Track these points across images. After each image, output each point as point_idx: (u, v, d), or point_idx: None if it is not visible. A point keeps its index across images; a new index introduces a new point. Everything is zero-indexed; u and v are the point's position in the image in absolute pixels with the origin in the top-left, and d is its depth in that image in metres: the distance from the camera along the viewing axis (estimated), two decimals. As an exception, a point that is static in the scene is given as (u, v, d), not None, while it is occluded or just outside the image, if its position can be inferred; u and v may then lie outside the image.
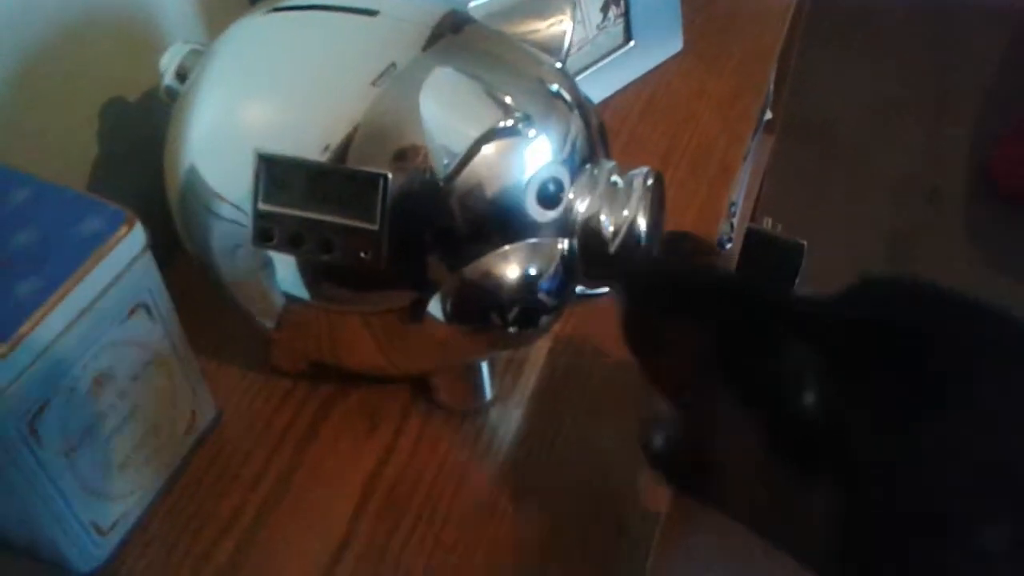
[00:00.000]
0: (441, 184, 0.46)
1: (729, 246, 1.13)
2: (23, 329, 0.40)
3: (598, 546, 0.53)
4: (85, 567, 0.50)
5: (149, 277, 0.47)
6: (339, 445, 0.57)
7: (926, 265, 1.82)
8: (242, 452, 0.56)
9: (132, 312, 0.46)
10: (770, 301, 0.39)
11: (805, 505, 0.36)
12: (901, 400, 0.33)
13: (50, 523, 0.47)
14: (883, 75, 2.22)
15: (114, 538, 0.50)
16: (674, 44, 0.85)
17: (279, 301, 0.51)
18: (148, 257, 0.46)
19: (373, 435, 0.57)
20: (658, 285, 0.43)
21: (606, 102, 0.80)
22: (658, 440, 0.46)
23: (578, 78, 0.77)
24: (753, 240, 1.22)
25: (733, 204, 1.13)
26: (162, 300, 0.48)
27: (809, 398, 0.34)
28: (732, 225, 1.15)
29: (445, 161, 0.45)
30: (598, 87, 0.80)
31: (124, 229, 0.44)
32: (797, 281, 1.24)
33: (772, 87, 1.25)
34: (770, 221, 1.38)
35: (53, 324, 0.41)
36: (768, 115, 1.31)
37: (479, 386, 0.59)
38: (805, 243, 1.26)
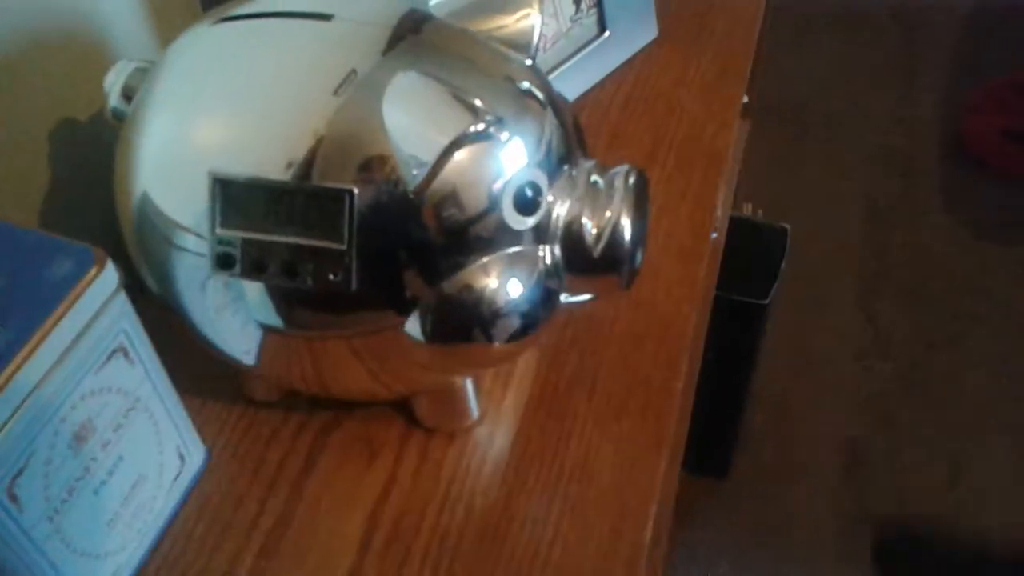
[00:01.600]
0: (411, 196, 0.43)
1: (715, 236, 1.11)
2: (-7, 388, 0.37)
3: (618, 567, 0.50)
4: (77, 631, 0.46)
5: (125, 318, 0.44)
6: (338, 479, 0.54)
7: (905, 235, 1.82)
8: (235, 495, 0.53)
9: (109, 357, 0.43)
10: None
11: None
12: None
13: (37, 590, 0.43)
14: (850, 48, 2.21)
15: (106, 598, 0.47)
16: (649, 32, 0.83)
17: (254, 333, 0.47)
18: (122, 297, 0.43)
19: (373, 465, 0.54)
20: None
21: (584, 97, 0.78)
22: None
23: (554, 73, 0.75)
24: (737, 228, 1.20)
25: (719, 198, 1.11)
26: (140, 341, 0.45)
27: None
28: (717, 215, 1.13)
29: (414, 171, 0.42)
30: (575, 82, 0.77)
31: (94, 270, 0.41)
32: (783, 266, 1.22)
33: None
34: (750, 207, 1.37)
35: (25, 380, 0.38)
36: (744, 99, 1.28)
37: (465, 405, 0.56)
38: (789, 227, 1.24)
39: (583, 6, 0.76)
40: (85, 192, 0.57)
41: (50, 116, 0.57)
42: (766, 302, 1.19)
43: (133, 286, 0.47)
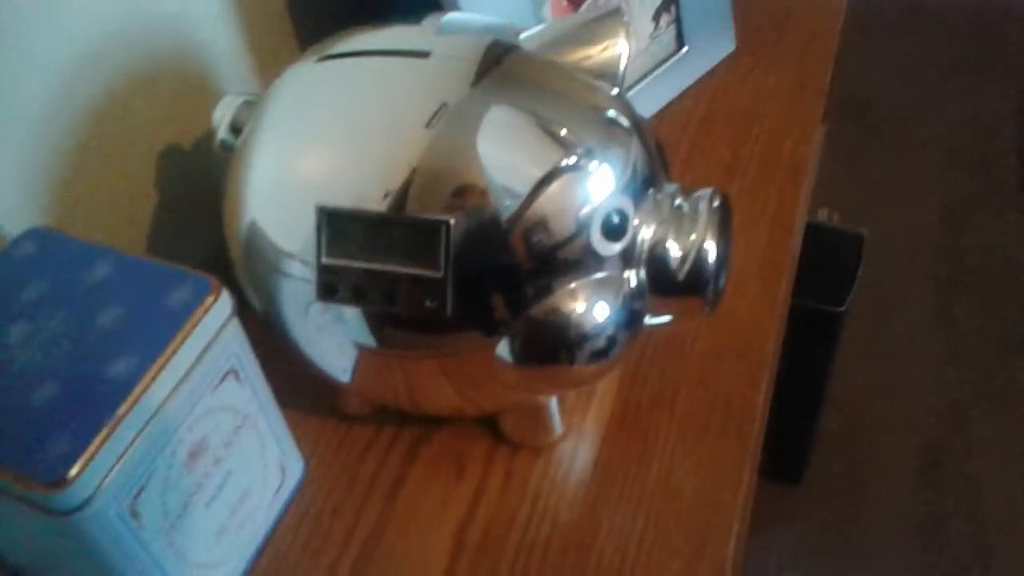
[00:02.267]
0: (504, 226, 0.45)
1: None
2: (120, 411, 0.40)
3: (704, 583, 0.52)
4: (187, 636, 0.49)
5: (237, 342, 0.46)
6: (428, 492, 0.56)
7: (981, 237, 1.79)
8: (331, 507, 0.55)
9: (223, 379, 0.46)
10: None
11: None
12: None
13: (151, 598, 0.46)
14: (924, 47, 2.17)
15: (214, 605, 0.50)
16: (728, 45, 0.83)
17: (351, 353, 0.50)
18: (235, 322, 0.45)
19: (461, 479, 0.56)
20: None
21: (662, 112, 0.79)
22: None
23: (633, 89, 0.76)
24: (813, 234, 1.19)
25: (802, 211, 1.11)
26: (249, 362, 0.48)
27: None
28: (790, 220, 1.13)
29: (507, 202, 0.44)
30: (654, 97, 0.78)
31: (211, 298, 0.43)
32: (859, 272, 1.21)
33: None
34: (826, 212, 1.36)
35: (149, 403, 0.41)
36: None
37: (549, 421, 0.58)
38: (866, 232, 1.23)
39: (662, 23, 0.77)
40: (191, 219, 0.60)
41: (159, 146, 0.60)
42: (842, 309, 1.19)
43: (238, 305, 0.50)
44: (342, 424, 0.59)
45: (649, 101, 0.77)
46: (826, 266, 1.21)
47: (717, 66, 0.82)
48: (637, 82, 0.77)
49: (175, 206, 0.62)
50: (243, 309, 0.50)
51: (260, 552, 0.53)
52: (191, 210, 0.60)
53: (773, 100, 0.79)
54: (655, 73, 0.78)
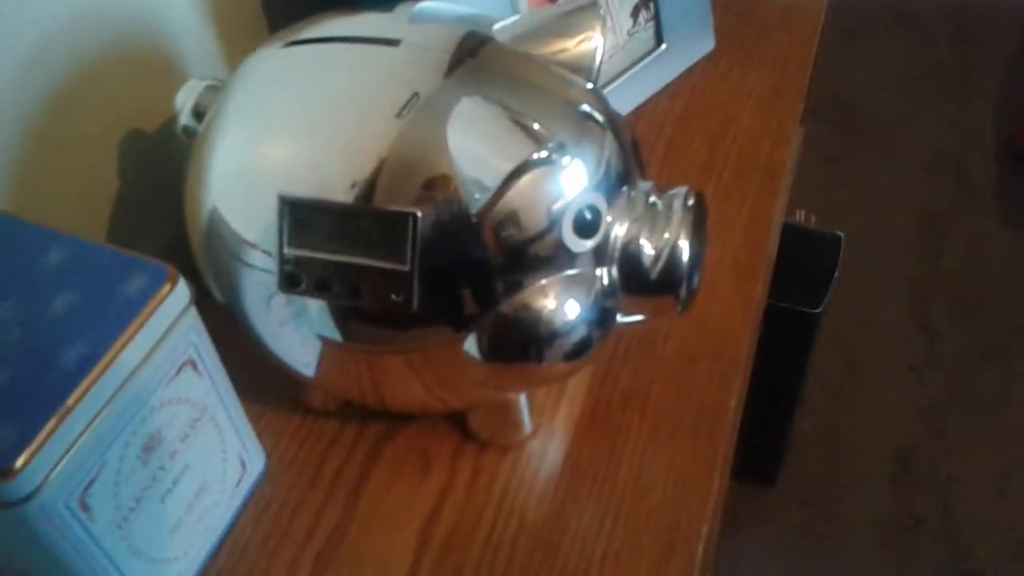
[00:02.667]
0: (473, 219, 0.44)
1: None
2: (70, 401, 0.38)
3: (670, 585, 0.51)
4: (140, 634, 0.48)
5: (195, 332, 0.45)
6: (393, 489, 0.55)
7: (960, 243, 1.80)
8: (292, 503, 0.54)
9: (179, 370, 0.44)
10: None
11: None
12: None
13: (104, 594, 0.45)
14: (905, 53, 2.18)
15: (169, 602, 0.49)
16: (706, 44, 0.83)
17: (315, 346, 0.48)
18: (193, 312, 0.44)
19: (427, 477, 0.55)
20: None
21: (640, 110, 0.78)
22: None
23: (610, 86, 0.75)
24: (790, 235, 1.19)
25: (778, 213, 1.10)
26: (208, 353, 0.46)
27: None
28: (767, 221, 1.13)
29: (477, 195, 0.43)
30: (631, 94, 0.78)
31: (168, 287, 0.42)
32: (836, 274, 1.21)
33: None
34: (803, 213, 1.36)
35: (101, 393, 0.40)
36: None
37: (518, 419, 0.57)
38: (843, 235, 1.23)
39: (640, 19, 0.76)
40: (153, 205, 0.58)
41: (120, 131, 0.59)
42: (818, 311, 1.18)
43: (199, 295, 0.49)
44: (306, 419, 0.58)
45: (626, 98, 0.77)
46: (803, 268, 1.21)
47: (695, 65, 0.82)
48: (614, 79, 0.76)
49: (137, 193, 0.60)
50: (205, 299, 0.49)
51: (218, 547, 0.52)
52: (153, 198, 0.59)
53: (751, 100, 0.78)
54: (632, 70, 0.77)
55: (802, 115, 1.39)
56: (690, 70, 0.81)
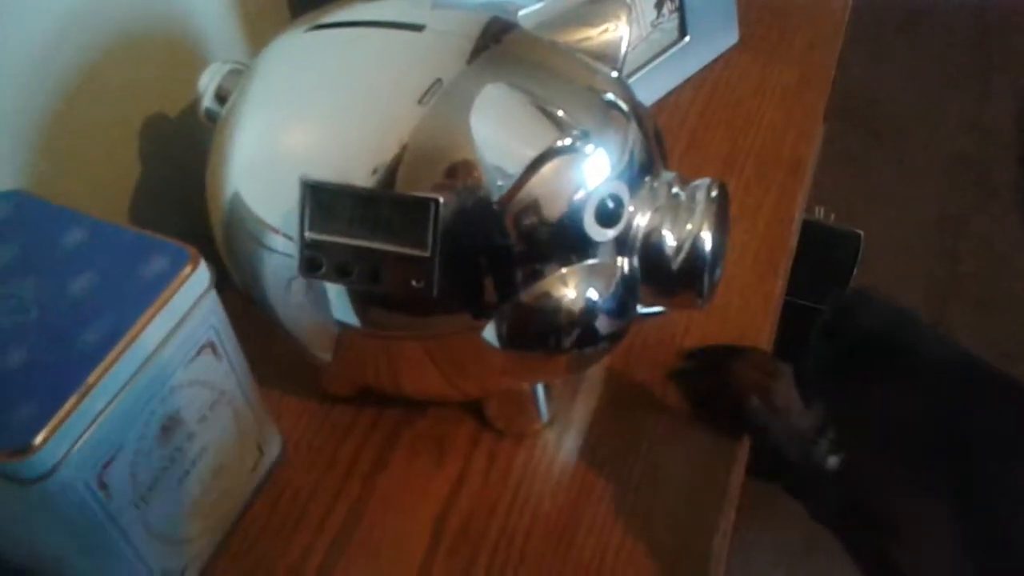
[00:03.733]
0: (495, 206, 0.43)
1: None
2: (90, 379, 0.38)
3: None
4: (155, 614, 0.48)
5: (215, 315, 0.45)
6: (408, 476, 0.55)
7: (978, 244, 1.78)
8: (308, 488, 0.54)
9: (199, 352, 0.44)
10: (1003, 394, 0.34)
11: None
12: None
13: (120, 574, 0.45)
14: (926, 52, 2.16)
15: (184, 582, 0.49)
16: (730, 36, 0.82)
17: (333, 331, 0.48)
18: (213, 295, 0.44)
19: (443, 464, 0.55)
20: (875, 347, 0.39)
21: (662, 102, 0.78)
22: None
23: (633, 77, 0.75)
24: (810, 232, 1.18)
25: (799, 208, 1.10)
26: (227, 337, 0.46)
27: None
28: (787, 217, 1.12)
29: (499, 182, 0.43)
30: (654, 86, 0.77)
31: (188, 268, 0.42)
32: (855, 272, 1.20)
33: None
34: (822, 210, 1.35)
35: (120, 373, 0.39)
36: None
37: (535, 408, 0.56)
38: (862, 233, 1.22)
39: (664, 11, 0.76)
40: (176, 188, 0.58)
41: (144, 115, 0.59)
42: (835, 309, 1.18)
43: (219, 279, 0.49)
44: (323, 405, 0.58)
45: (649, 89, 0.76)
46: (821, 265, 1.20)
47: (719, 58, 0.81)
48: (638, 69, 0.75)
49: (159, 177, 0.60)
50: (225, 285, 0.49)
51: (233, 529, 0.52)
52: (176, 182, 0.59)
53: (775, 94, 0.78)
54: (656, 61, 0.76)
55: (824, 114, 1.38)
56: (714, 63, 0.81)
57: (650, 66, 0.76)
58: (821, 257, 1.21)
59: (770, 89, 0.78)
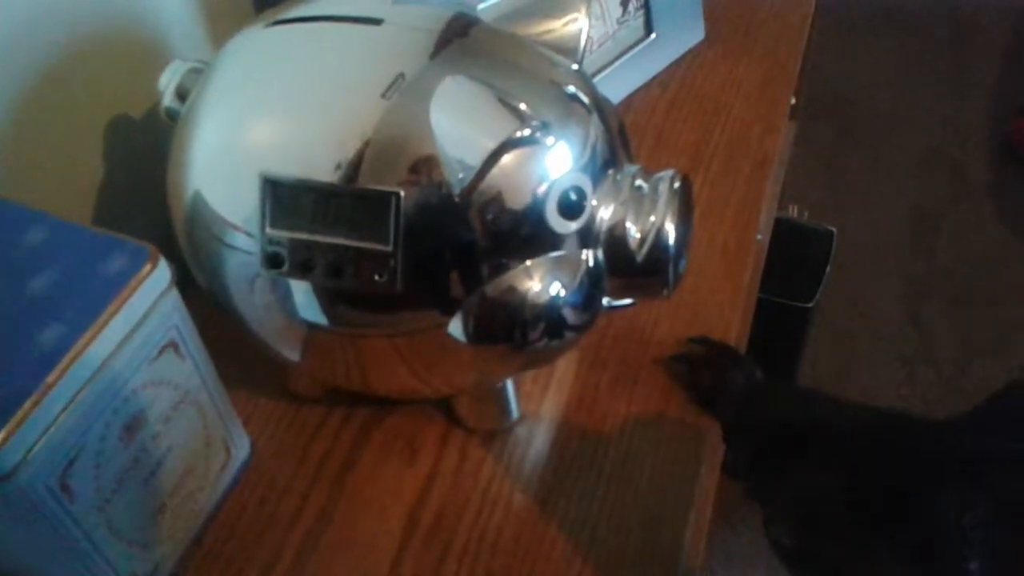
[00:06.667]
0: (457, 199, 0.43)
1: (759, 238, 1.10)
2: (49, 380, 0.38)
3: (660, 568, 0.50)
4: (125, 618, 0.47)
5: (176, 314, 0.44)
6: (379, 475, 0.54)
7: (953, 241, 1.79)
8: (278, 488, 0.54)
9: (161, 352, 0.44)
10: (921, 443, 0.35)
11: None
12: None
13: (86, 577, 0.45)
14: (899, 49, 2.18)
15: (152, 586, 0.48)
16: (696, 33, 0.82)
17: (299, 330, 0.48)
18: (174, 294, 0.44)
19: (414, 462, 0.55)
20: (779, 435, 0.40)
21: (629, 99, 0.78)
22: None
23: (600, 75, 0.75)
24: (782, 230, 1.19)
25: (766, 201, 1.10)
26: (190, 336, 0.46)
27: (975, 564, 0.30)
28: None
29: (460, 175, 0.43)
30: (621, 84, 0.77)
31: (148, 267, 0.42)
32: (828, 269, 1.21)
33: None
34: (795, 208, 1.35)
35: (79, 373, 0.39)
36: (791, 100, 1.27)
37: (505, 405, 0.56)
38: (835, 230, 1.23)
39: (630, 8, 0.76)
40: (139, 189, 0.58)
41: (105, 115, 0.59)
42: (810, 305, 1.18)
43: (183, 282, 0.48)
44: (292, 405, 0.57)
45: (616, 87, 0.76)
46: (795, 263, 1.21)
47: (685, 54, 0.81)
48: (605, 67, 0.76)
49: (123, 177, 0.60)
50: (191, 288, 0.49)
51: (203, 531, 0.51)
52: (141, 182, 0.58)
53: (741, 90, 0.78)
54: (623, 59, 0.77)
55: (795, 111, 1.39)
56: (680, 60, 0.81)
57: (617, 63, 0.76)
58: (795, 255, 1.22)
59: (736, 85, 0.78)
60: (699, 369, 0.57)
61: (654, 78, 0.79)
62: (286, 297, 0.47)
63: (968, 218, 1.85)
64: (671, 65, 0.80)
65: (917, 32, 2.23)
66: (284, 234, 0.44)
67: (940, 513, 0.31)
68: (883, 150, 1.96)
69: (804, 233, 1.25)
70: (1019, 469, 0.30)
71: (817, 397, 0.41)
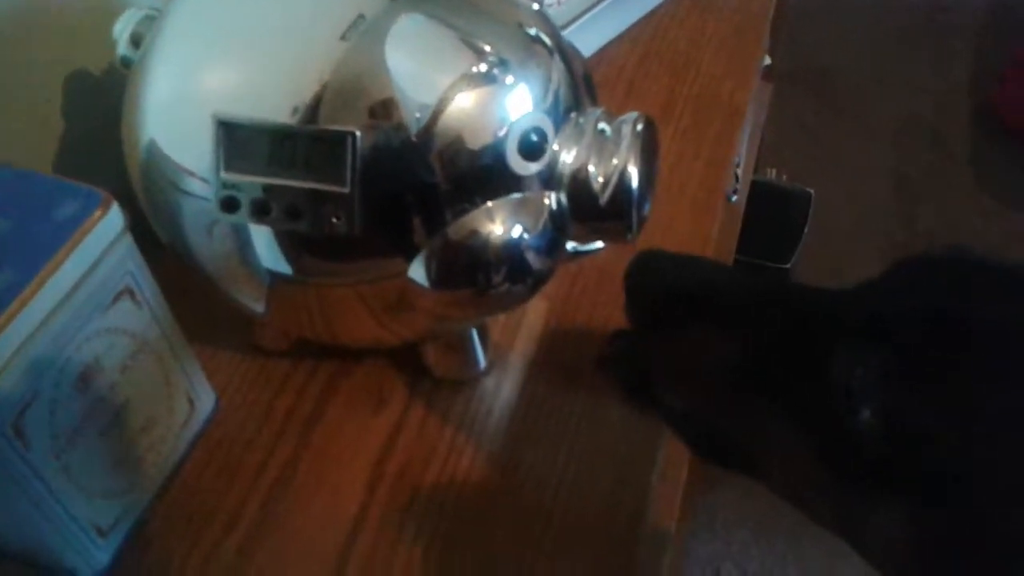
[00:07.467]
0: (415, 139, 0.43)
1: (735, 199, 1.10)
2: (-2, 324, 0.38)
3: (626, 516, 0.50)
4: (88, 570, 0.47)
5: (131, 260, 0.44)
6: (346, 426, 0.54)
7: (934, 206, 1.80)
8: (243, 440, 0.53)
9: (116, 299, 0.43)
10: (812, 305, 0.35)
11: (866, 524, 0.31)
12: (989, 401, 0.28)
13: (48, 529, 0.44)
14: (880, 17, 2.18)
15: (116, 538, 0.48)
16: (668, -12, 0.82)
17: (261, 280, 0.48)
18: (128, 239, 0.43)
19: (381, 413, 0.55)
20: (672, 298, 0.40)
21: (600, 54, 0.77)
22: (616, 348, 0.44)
23: (570, 28, 0.74)
24: (759, 192, 1.19)
25: (737, 155, 1.10)
26: (147, 284, 0.46)
27: (866, 413, 0.30)
28: (737, 177, 1.12)
29: (417, 114, 0.42)
30: (592, 37, 0.77)
31: (100, 211, 0.41)
32: (805, 230, 1.21)
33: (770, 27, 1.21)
34: (774, 172, 1.35)
35: (30, 317, 0.39)
36: (767, 60, 1.27)
37: (472, 355, 0.56)
38: (812, 191, 1.23)
39: (600, -40, 0.76)
40: (100, 143, 0.57)
41: (64, 67, 0.58)
42: (787, 266, 1.18)
43: (144, 240, 0.48)
44: (258, 359, 0.57)
45: (587, 40, 0.76)
46: (773, 224, 1.21)
47: (656, 9, 0.81)
48: (575, 20, 0.75)
49: (84, 133, 0.59)
50: (154, 245, 0.48)
51: (168, 484, 0.51)
52: (99, 137, 0.58)
53: (712, 43, 0.78)
54: (593, 11, 0.76)
55: (772, 72, 1.38)
56: (651, 14, 0.80)
57: (587, 16, 0.76)
58: (772, 216, 1.22)
59: (707, 38, 0.78)
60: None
61: (625, 32, 0.79)
62: (246, 245, 0.46)
63: (948, 185, 1.85)
64: (642, 19, 0.80)
65: (898, 1, 2.23)
66: (239, 177, 0.43)
67: (830, 370, 0.31)
68: (864, 118, 1.96)
69: (782, 195, 1.26)
70: (912, 325, 0.30)
71: (712, 264, 0.41)
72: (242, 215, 0.44)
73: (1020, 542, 0.27)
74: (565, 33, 0.72)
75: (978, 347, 0.29)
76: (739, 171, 1.13)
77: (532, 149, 0.46)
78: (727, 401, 0.37)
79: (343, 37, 0.44)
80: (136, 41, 0.50)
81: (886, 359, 0.30)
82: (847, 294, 0.34)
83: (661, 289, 0.40)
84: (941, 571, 0.29)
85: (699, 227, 0.64)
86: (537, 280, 0.48)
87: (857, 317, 0.32)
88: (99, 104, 0.59)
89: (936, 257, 0.33)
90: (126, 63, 0.50)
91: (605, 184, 0.47)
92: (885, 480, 0.30)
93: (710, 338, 0.37)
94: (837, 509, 0.33)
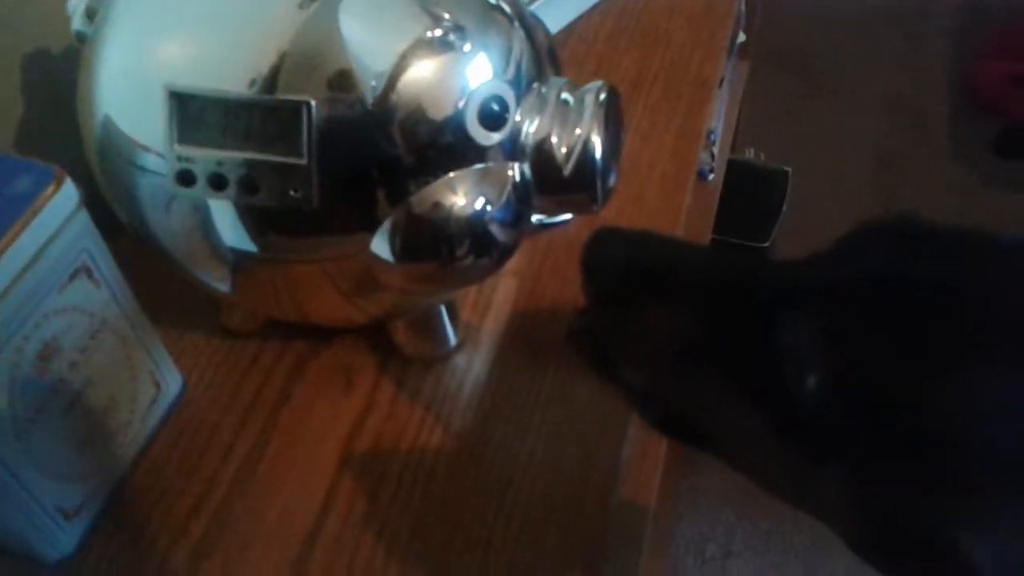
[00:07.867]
0: (372, 108, 0.42)
1: (711, 177, 1.10)
2: (-51, 302, 0.37)
3: (595, 492, 0.50)
4: (54, 554, 0.47)
5: (87, 237, 0.43)
6: (315, 406, 0.54)
7: (914, 184, 1.80)
8: (211, 423, 0.53)
9: (72, 276, 0.43)
10: (754, 275, 0.35)
11: (816, 490, 0.31)
12: (927, 366, 0.28)
13: (11, 511, 0.44)
14: (857, -5, 2.18)
15: (82, 521, 0.47)
16: (638, -37, 0.81)
17: (227, 259, 0.47)
18: (84, 216, 0.43)
19: (350, 393, 0.54)
20: (627, 274, 0.39)
21: (570, 28, 0.77)
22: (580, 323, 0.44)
23: (538, 2, 0.73)
24: (736, 170, 1.19)
25: (712, 133, 1.10)
26: (105, 263, 0.45)
27: (811, 379, 0.30)
28: (713, 155, 1.12)
29: (372, 82, 0.42)
30: (560, 12, 0.76)
31: (53, 187, 0.41)
32: (784, 208, 1.21)
33: (744, 3, 1.21)
34: (752, 151, 1.35)
35: (-18, 295, 0.38)
36: (741, 37, 1.27)
37: (441, 332, 0.56)
38: (789, 169, 1.23)
39: (568, -66, 0.75)
40: (61, 124, 0.56)
41: (21, 45, 0.57)
42: (766, 245, 1.18)
43: (108, 220, 0.47)
44: (226, 341, 0.56)
45: (555, 15, 0.75)
46: (751, 203, 1.21)
47: (626, -16, 0.80)
48: (543, -3, 0.74)
49: (41, 113, 0.58)
50: (116, 228, 0.48)
51: (134, 467, 0.50)
52: (60, 117, 0.57)
53: (681, 17, 0.77)
54: (561, -12, 0.76)
55: (746, 50, 1.38)
56: (621, -12, 0.80)
57: (555, -7, 0.75)
58: (750, 195, 1.22)
59: (676, 12, 0.77)
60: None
61: (595, 6, 0.78)
62: (207, 223, 0.46)
63: (929, 161, 1.85)
64: (612, -5, 0.79)
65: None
66: (194, 150, 0.43)
67: (776, 340, 0.31)
68: (842, 96, 1.96)
69: (759, 173, 1.25)
70: (854, 291, 0.30)
71: (666, 240, 0.40)
72: (198, 189, 0.43)
73: (965, 498, 0.27)
74: (533, 7, 0.72)
75: (918, 310, 0.29)
76: (715, 150, 1.13)
77: (493, 118, 0.45)
78: (682, 377, 0.37)
79: (300, 6, 0.43)
80: (91, 14, 0.49)
81: (828, 325, 0.30)
82: (795, 264, 0.34)
83: (615, 265, 0.39)
84: (887, 532, 0.29)
85: (670, 202, 0.64)
86: (502, 253, 0.47)
87: (800, 286, 0.32)
88: (59, 83, 0.58)
89: (882, 224, 0.32)
90: (81, 38, 0.49)
91: (568, 154, 0.47)
92: (831, 445, 0.30)
93: (664, 314, 0.37)
94: (789, 477, 0.33)
